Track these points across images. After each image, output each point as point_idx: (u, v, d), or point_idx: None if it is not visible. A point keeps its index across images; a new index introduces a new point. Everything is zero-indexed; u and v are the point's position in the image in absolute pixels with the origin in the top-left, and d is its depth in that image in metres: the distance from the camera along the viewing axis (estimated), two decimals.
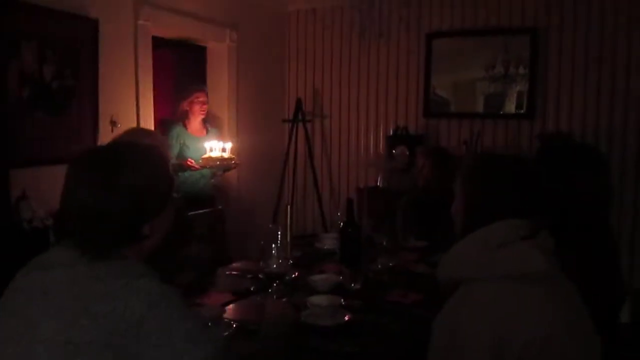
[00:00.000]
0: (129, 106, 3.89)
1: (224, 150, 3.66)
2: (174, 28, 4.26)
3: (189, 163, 3.77)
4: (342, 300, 1.87)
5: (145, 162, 1.21)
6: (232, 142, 3.91)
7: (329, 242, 2.74)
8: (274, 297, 1.89)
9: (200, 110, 3.94)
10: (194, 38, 4.64)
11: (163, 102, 5.46)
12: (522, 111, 4.28)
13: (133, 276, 1.09)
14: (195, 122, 4.00)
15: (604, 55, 4.01)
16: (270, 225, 2.04)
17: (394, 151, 4.48)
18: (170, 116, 5.64)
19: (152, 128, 4.23)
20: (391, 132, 4.64)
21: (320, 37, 4.96)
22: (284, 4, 5.02)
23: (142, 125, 3.87)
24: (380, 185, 4.56)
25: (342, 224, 2.29)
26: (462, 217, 1.37)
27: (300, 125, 4.71)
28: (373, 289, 2.15)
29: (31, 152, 3.27)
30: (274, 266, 1.94)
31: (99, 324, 1.03)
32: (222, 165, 3.69)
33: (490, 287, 1.18)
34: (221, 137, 4.11)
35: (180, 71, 5.91)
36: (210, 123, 4.22)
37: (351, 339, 1.69)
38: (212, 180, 4.06)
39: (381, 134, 4.78)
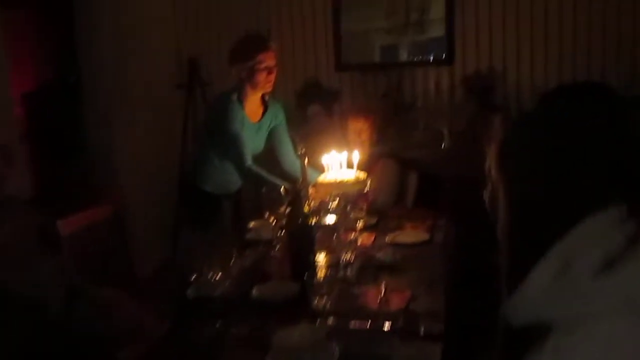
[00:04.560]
0: None
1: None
2: None
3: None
4: None
5: None
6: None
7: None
8: None
9: (266, 81, 2.70)
10: None
11: (22, 73, 4.55)
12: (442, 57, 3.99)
13: None
14: (254, 98, 2.81)
15: None
16: None
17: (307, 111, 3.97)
18: (34, 89, 4.72)
19: (12, 106, 3.43)
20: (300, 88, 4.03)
21: None
22: None
23: None
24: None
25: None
26: (512, 224, 0.90)
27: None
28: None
29: None
30: None
31: None
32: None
33: (603, 327, 0.75)
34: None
35: (41, 34, 4.95)
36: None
37: None
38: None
39: (289, 91, 3.99)
